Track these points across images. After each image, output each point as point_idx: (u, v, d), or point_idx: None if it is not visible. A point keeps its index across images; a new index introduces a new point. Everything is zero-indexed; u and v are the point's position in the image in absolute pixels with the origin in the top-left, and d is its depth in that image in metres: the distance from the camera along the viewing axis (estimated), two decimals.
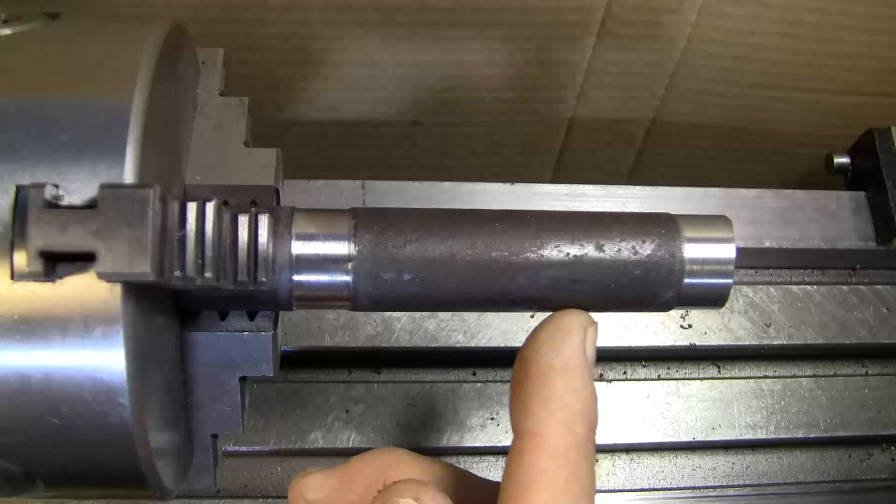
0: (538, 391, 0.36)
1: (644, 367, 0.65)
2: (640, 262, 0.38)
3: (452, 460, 0.60)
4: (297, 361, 0.60)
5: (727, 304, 0.45)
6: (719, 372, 0.66)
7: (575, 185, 0.63)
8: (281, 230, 0.37)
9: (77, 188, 0.30)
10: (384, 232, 0.37)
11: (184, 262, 0.31)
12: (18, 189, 0.30)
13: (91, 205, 0.30)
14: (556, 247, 0.38)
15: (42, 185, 0.29)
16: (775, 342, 0.64)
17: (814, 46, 0.74)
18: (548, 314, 0.39)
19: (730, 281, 0.40)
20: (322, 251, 0.37)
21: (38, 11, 0.37)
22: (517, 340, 0.61)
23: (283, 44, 0.70)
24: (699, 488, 0.62)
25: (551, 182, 0.66)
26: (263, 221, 0.36)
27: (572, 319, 0.38)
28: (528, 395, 0.36)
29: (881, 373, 0.67)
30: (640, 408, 0.63)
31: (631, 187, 0.64)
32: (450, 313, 0.61)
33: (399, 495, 0.36)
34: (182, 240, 0.31)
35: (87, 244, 0.29)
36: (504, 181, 0.63)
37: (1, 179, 0.30)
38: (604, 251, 0.38)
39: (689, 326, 0.64)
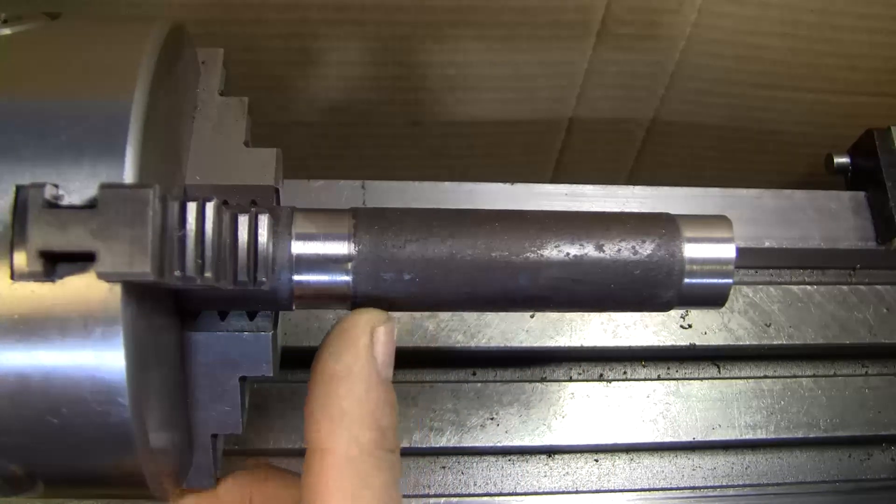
0: (320, 400, 0.35)
1: (644, 367, 0.65)
2: (640, 262, 0.38)
3: (452, 460, 0.60)
4: (297, 361, 0.60)
5: (727, 304, 0.45)
6: (719, 372, 0.66)
7: (575, 185, 0.63)
8: (281, 230, 0.37)
9: (77, 188, 0.30)
10: (384, 232, 0.37)
11: (184, 262, 0.31)
12: (18, 189, 0.30)
13: (91, 205, 0.30)
14: (556, 247, 0.38)
15: (42, 185, 0.29)
16: (775, 342, 0.64)
17: (814, 46, 0.74)
18: (550, 314, 0.39)
19: (730, 281, 0.40)
20: (322, 251, 0.37)
21: (38, 11, 0.37)
22: (517, 340, 0.61)
23: (283, 44, 0.70)
24: (699, 488, 0.62)
25: (551, 182, 0.66)
26: (263, 221, 0.36)
27: (358, 320, 0.36)
28: (312, 404, 0.35)
29: (881, 373, 0.67)
30: (640, 408, 0.63)
31: (631, 187, 0.64)
32: (450, 313, 0.61)
33: None
34: (182, 240, 0.31)
35: (87, 244, 0.29)
36: (504, 181, 0.63)
37: (1, 179, 0.30)
38: (604, 251, 0.38)
39: (689, 326, 0.64)
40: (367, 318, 0.37)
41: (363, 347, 0.36)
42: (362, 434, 0.34)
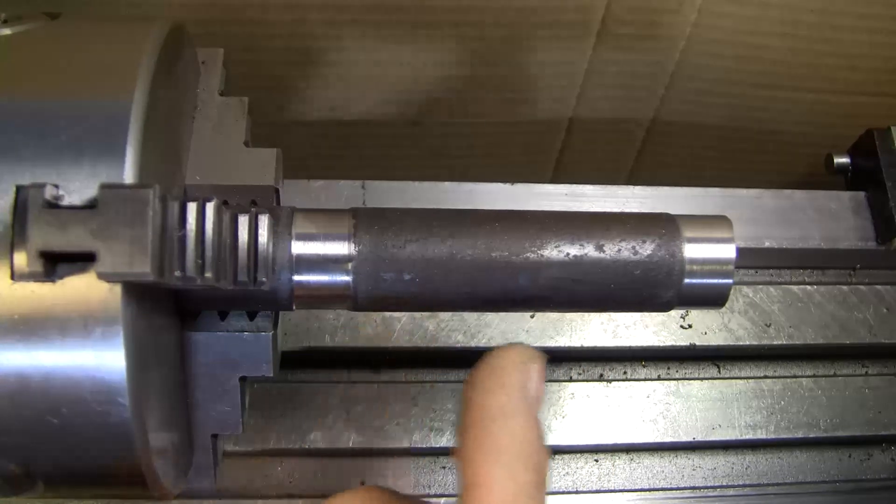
0: (476, 438, 0.34)
1: (644, 367, 0.65)
2: (640, 262, 0.38)
3: (453, 460, 0.60)
4: (297, 361, 0.60)
5: (727, 304, 0.45)
6: (719, 372, 0.66)
7: (575, 185, 0.63)
8: (281, 230, 0.37)
9: (77, 188, 0.30)
10: (384, 232, 0.37)
11: (184, 262, 0.31)
12: (18, 189, 0.30)
13: (91, 205, 0.30)
14: (556, 247, 0.38)
15: (42, 185, 0.29)
16: (775, 342, 0.64)
17: (814, 46, 0.74)
18: (550, 314, 0.39)
19: (730, 281, 0.40)
20: (322, 251, 0.37)
21: (38, 11, 0.37)
22: (517, 340, 0.61)
23: (283, 44, 0.70)
24: (699, 488, 0.62)
25: (551, 182, 0.66)
26: (263, 221, 0.36)
27: (510, 357, 0.36)
28: (469, 442, 0.34)
29: (881, 373, 0.67)
30: (640, 408, 0.63)
31: (631, 187, 0.64)
32: (450, 313, 0.61)
33: None
34: (182, 240, 0.31)
35: (87, 244, 0.29)
36: (504, 181, 0.63)
37: (1, 179, 0.30)
38: (604, 251, 0.38)
39: (689, 326, 0.64)
40: (517, 355, 0.36)
41: (517, 385, 0.35)
42: (519, 473, 0.33)
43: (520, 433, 0.34)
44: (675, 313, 0.64)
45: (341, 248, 0.37)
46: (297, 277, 0.37)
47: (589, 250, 0.38)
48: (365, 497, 0.40)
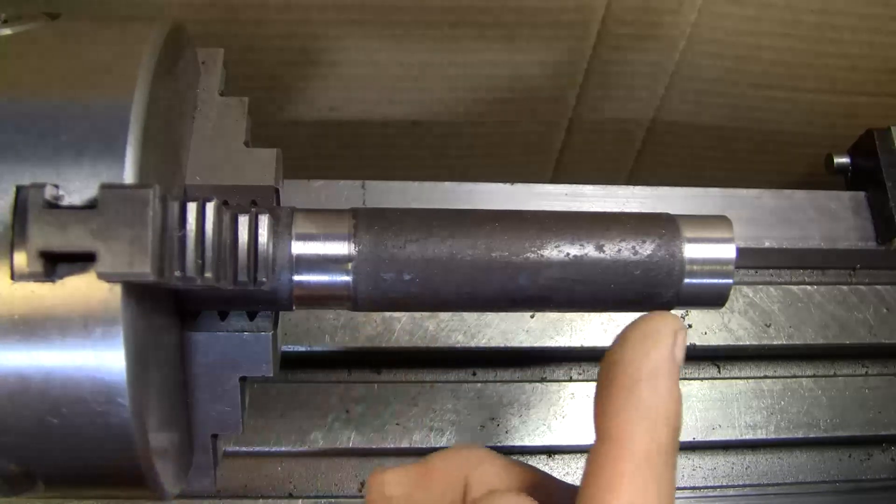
0: (624, 395, 0.35)
1: None
2: (640, 262, 0.38)
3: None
4: (297, 361, 0.60)
5: (727, 304, 0.45)
6: (719, 372, 0.66)
7: (575, 185, 0.63)
8: (281, 230, 0.37)
9: (77, 188, 0.30)
10: (384, 232, 0.37)
11: (184, 262, 0.31)
12: (18, 189, 0.30)
13: (91, 205, 0.30)
14: (556, 247, 0.38)
15: (42, 185, 0.29)
16: (775, 342, 0.64)
17: (814, 46, 0.74)
18: (550, 314, 0.39)
19: (730, 281, 0.40)
20: (322, 251, 0.37)
21: (38, 11, 0.37)
22: (517, 340, 0.61)
23: (283, 44, 0.70)
24: (699, 488, 0.62)
25: (551, 182, 0.66)
26: (263, 221, 0.36)
27: (664, 323, 0.37)
28: (613, 399, 0.36)
29: (881, 373, 0.67)
30: None
31: (631, 187, 0.64)
32: (450, 313, 0.61)
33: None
34: (182, 240, 0.31)
35: (87, 244, 0.29)
36: (504, 181, 0.63)
37: (1, 179, 0.30)
38: (604, 251, 0.38)
39: (690, 326, 0.64)
40: (671, 323, 0.37)
41: (669, 349, 0.36)
42: (662, 432, 0.35)
43: (666, 395, 0.35)
44: (675, 313, 0.64)
45: (341, 248, 0.37)
46: (297, 277, 0.37)
47: (589, 250, 0.38)
48: (466, 452, 0.41)
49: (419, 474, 0.41)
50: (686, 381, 0.64)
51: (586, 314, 0.62)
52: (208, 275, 0.32)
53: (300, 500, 0.58)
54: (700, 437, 0.62)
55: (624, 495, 0.34)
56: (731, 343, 0.64)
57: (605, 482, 0.34)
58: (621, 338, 0.37)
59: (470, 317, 0.61)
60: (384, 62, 0.73)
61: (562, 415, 0.62)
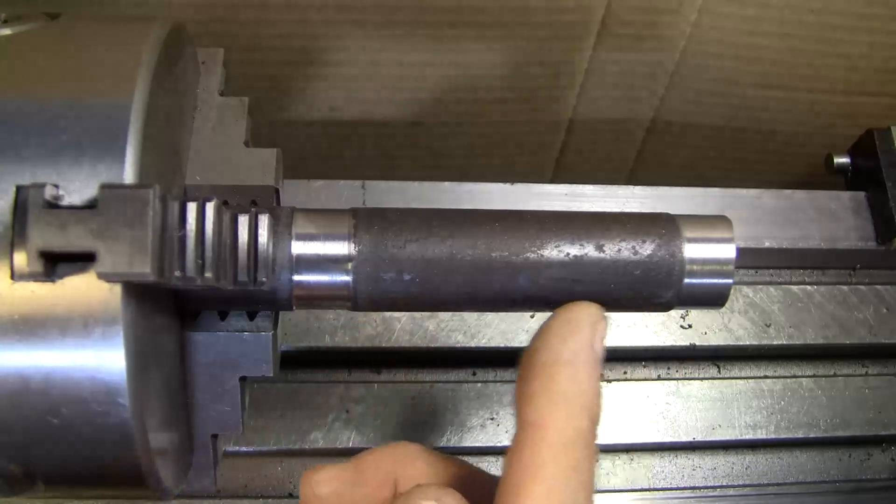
0: (543, 382, 0.36)
1: (644, 367, 0.65)
2: (640, 262, 0.38)
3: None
4: (297, 361, 0.60)
5: (727, 304, 0.45)
6: (719, 372, 0.66)
7: (575, 185, 0.63)
8: (281, 230, 0.37)
9: (77, 188, 0.30)
10: (384, 232, 0.37)
11: (184, 262, 0.31)
12: (18, 189, 0.30)
13: (91, 205, 0.30)
14: (556, 247, 0.38)
15: (42, 185, 0.29)
16: (775, 342, 0.64)
17: (814, 46, 0.74)
18: (549, 314, 0.39)
19: (730, 281, 0.40)
20: (322, 251, 0.37)
21: (38, 11, 0.37)
22: (517, 340, 0.61)
23: (283, 44, 0.70)
24: (699, 488, 0.62)
25: (551, 182, 0.66)
26: (263, 221, 0.36)
27: (583, 312, 0.37)
28: (532, 386, 0.36)
29: (881, 373, 0.67)
30: (639, 408, 0.63)
31: (631, 187, 0.64)
32: (450, 313, 0.61)
33: (421, 497, 0.36)
34: (182, 240, 0.31)
35: (87, 244, 0.29)
36: (504, 181, 0.63)
37: (1, 179, 0.30)
38: (604, 251, 0.38)
39: (689, 326, 0.64)
40: (589, 312, 0.37)
41: (588, 338, 0.37)
42: (580, 419, 0.35)
43: (585, 382, 0.36)
44: (675, 313, 0.64)
45: (341, 248, 0.37)
46: (297, 277, 0.37)
47: (589, 250, 0.38)
48: (397, 449, 0.42)
49: (350, 473, 0.41)
50: (686, 381, 0.64)
51: None
52: (208, 275, 0.32)
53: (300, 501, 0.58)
54: (700, 437, 0.62)
55: (544, 481, 0.34)
56: (731, 343, 0.64)
57: (525, 469, 0.34)
58: (541, 328, 0.38)
59: (470, 317, 0.61)
60: (384, 62, 0.73)
61: None
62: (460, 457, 0.42)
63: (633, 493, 0.62)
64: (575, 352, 0.36)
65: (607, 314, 0.39)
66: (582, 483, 0.35)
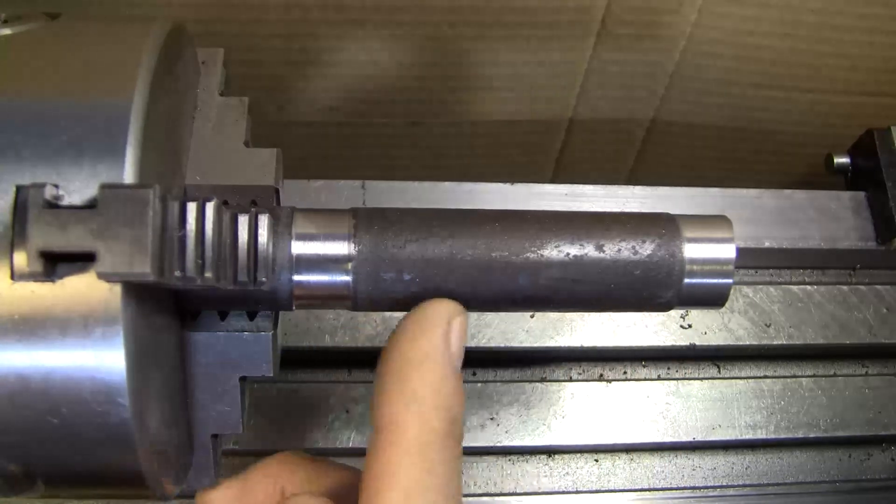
0: (394, 383, 0.35)
1: (644, 367, 0.65)
2: (640, 262, 0.38)
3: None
4: (297, 361, 0.60)
5: (727, 304, 0.45)
6: (719, 372, 0.66)
7: (575, 185, 0.63)
8: (281, 230, 0.37)
9: (77, 188, 0.30)
10: (384, 232, 0.37)
11: (184, 262, 0.31)
12: (18, 189, 0.30)
13: (91, 205, 0.30)
14: (556, 247, 0.38)
15: (42, 185, 0.29)
16: (775, 342, 0.64)
17: (814, 46, 0.74)
18: (549, 314, 0.39)
19: (730, 281, 0.40)
20: (322, 251, 0.37)
21: (38, 11, 0.37)
22: (517, 340, 0.61)
23: (283, 44, 0.70)
24: (699, 488, 0.62)
25: (551, 182, 0.66)
26: (263, 221, 0.36)
27: (436, 309, 0.37)
28: (384, 387, 0.35)
29: (881, 373, 0.67)
30: (639, 408, 0.63)
31: (631, 187, 0.64)
32: None
33: None
34: (182, 240, 0.31)
35: (87, 244, 0.29)
36: (504, 181, 0.63)
37: (1, 179, 0.30)
38: (604, 251, 0.38)
39: (689, 326, 0.64)
40: (443, 309, 0.37)
41: (440, 335, 0.36)
42: (434, 420, 0.35)
43: (437, 382, 0.35)
44: (675, 313, 0.64)
45: (341, 248, 0.37)
46: (297, 277, 0.37)
47: (589, 250, 0.38)
48: (281, 460, 0.42)
49: (239, 490, 0.42)
50: (686, 381, 0.64)
51: (586, 314, 0.62)
52: (208, 275, 0.32)
53: None
54: (700, 437, 0.62)
55: (398, 487, 0.33)
56: (731, 343, 0.64)
57: (381, 472, 0.34)
58: (396, 327, 0.37)
59: (470, 317, 0.60)
60: (384, 62, 0.73)
61: (562, 415, 0.62)
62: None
63: (634, 493, 0.62)
64: (426, 352, 0.36)
65: (602, 315, 0.38)
66: (438, 486, 0.34)
